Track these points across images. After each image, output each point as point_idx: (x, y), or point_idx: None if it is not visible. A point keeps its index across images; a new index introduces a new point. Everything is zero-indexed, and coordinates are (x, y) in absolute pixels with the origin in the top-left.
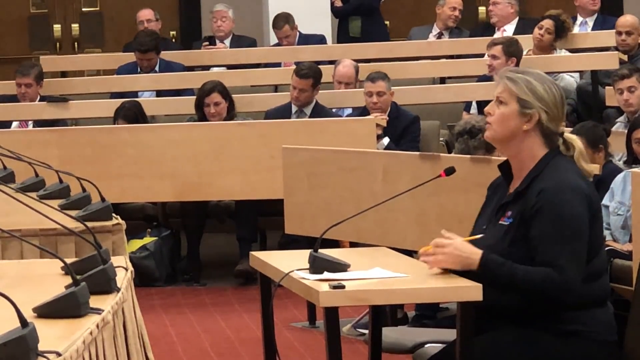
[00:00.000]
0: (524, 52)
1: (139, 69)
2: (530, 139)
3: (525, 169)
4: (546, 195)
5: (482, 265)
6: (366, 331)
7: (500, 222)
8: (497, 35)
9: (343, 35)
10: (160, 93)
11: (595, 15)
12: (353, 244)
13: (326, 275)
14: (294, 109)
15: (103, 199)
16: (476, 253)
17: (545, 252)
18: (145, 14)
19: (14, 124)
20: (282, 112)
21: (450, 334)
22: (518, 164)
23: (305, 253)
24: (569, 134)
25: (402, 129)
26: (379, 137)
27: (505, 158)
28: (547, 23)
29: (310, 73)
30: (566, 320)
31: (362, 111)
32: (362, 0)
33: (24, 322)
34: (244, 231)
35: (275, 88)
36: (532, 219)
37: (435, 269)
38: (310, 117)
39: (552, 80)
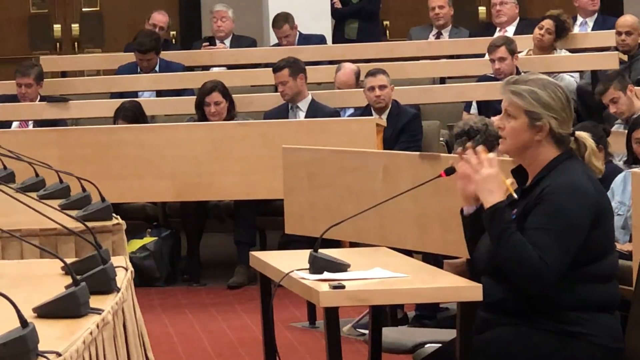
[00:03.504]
0: (524, 52)
1: (139, 69)
2: (544, 146)
3: (537, 171)
4: (548, 191)
5: (492, 209)
6: (366, 331)
7: None
8: (497, 35)
9: (339, 37)
10: (160, 93)
11: (595, 15)
12: (353, 244)
13: (326, 275)
14: (289, 105)
15: (103, 199)
16: (498, 195)
17: (538, 237)
18: (160, 20)
19: (14, 124)
20: (280, 112)
21: (450, 334)
22: (532, 169)
23: (305, 253)
24: (580, 133)
25: (402, 126)
26: None
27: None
28: (548, 23)
29: (282, 64)
30: (567, 321)
31: (363, 111)
32: (362, 5)
33: (24, 322)
34: (242, 235)
35: (275, 88)
36: (530, 211)
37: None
38: (306, 112)
39: (554, 82)
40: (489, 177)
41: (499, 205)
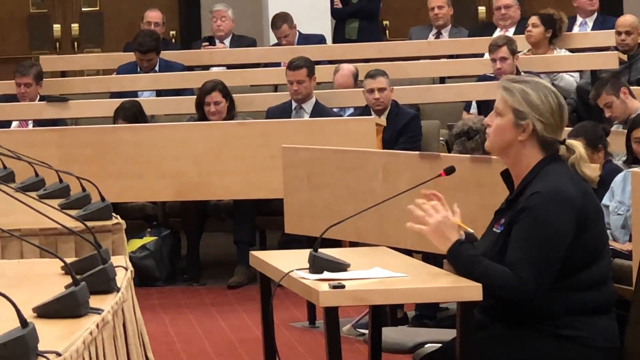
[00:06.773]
0: (524, 52)
1: (138, 69)
2: (528, 148)
3: (522, 177)
4: (531, 200)
5: (451, 250)
6: (366, 331)
7: (493, 229)
8: (497, 34)
9: (339, 37)
10: (160, 93)
11: (595, 15)
12: (353, 244)
13: (326, 275)
14: (293, 105)
15: (103, 199)
16: (453, 238)
17: (512, 253)
18: (154, 16)
19: (14, 123)
20: (283, 110)
21: (450, 334)
22: (516, 172)
23: (305, 253)
24: (571, 141)
25: (402, 127)
26: None
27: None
28: (532, 19)
29: (301, 63)
30: (564, 324)
31: (362, 111)
32: (362, 4)
33: (24, 322)
34: (242, 234)
35: (275, 88)
36: (515, 223)
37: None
38: (310, 114)
39: (551, 88)
40: (439, 224)
41: (455, 245)
